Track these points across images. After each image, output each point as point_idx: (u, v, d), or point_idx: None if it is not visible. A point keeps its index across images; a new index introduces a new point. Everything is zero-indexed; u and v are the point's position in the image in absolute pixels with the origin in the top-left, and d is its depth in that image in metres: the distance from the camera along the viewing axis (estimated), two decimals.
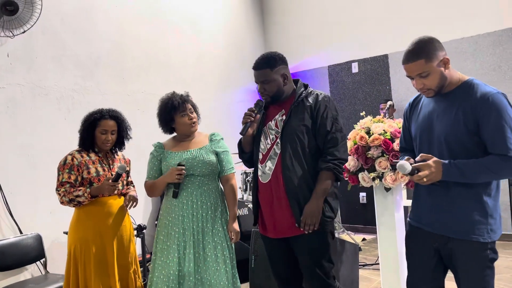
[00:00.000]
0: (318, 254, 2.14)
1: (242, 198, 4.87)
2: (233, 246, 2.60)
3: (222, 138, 2.68)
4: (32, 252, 3.30)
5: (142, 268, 3.81)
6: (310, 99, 2.20)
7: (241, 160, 2.47)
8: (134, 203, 2.74)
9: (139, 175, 4.67)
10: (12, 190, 3.54)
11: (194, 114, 2.63)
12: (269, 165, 2.20)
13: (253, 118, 2.22)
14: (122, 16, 4.65)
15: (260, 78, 2.21)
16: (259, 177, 2.25)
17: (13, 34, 3.57)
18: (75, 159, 2.56)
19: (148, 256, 4.01)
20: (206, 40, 5.70)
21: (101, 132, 2.62)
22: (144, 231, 3.75)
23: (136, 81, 4.75)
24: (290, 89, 2.26)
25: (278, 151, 2.18)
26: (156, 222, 4.77)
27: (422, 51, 1.73)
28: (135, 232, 3.69)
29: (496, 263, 1.76)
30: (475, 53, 4.92)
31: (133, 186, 2.94)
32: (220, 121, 5.63)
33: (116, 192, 2.66)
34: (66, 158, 2.57)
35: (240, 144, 2.41)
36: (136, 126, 4.64)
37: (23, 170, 3.66)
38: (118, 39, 4.59)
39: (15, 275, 3.41)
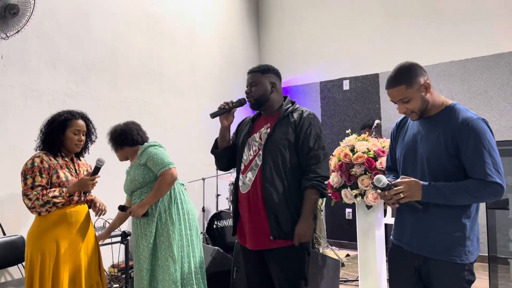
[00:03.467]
0: (291, 269, 2.16)
1: (229, 209, 4.90)
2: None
3: (145, 148, 2.81)
4: (15, 254, 3.28)
5: (124, 275, 3.81)
6: (295, 115, 2.26)
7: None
8: (104, 212, 2.65)
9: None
10: None
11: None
12: (250, 176, 2.23)
13: (227, 106, 2.30)
14: (118, 23, 4.70)
15: (250, 79, 2.32)
16: (240, 187, 2.29)
17: (7, 35, 3.61)
18: (44, 162, 2.39)
19: (131, 263, 4.01)
20: (201, 51, 5.77)
21: (74, 132, 2.49)
22: (129, 237, 3.75)
23: (129, 88, 4.78)
24: (276, 101, 2.32)
25: (259, 163, 2.21)
26: None
27: (403, 78, 1.79)
28: (120, 238, 3.70)
29: (481, 286, 1.78)
30: (463, 76, 5.03)
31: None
32: (212, 131, 5.67)
33: (87, 193, 2.56)
34: (33, 161, 2.38)
35: (216, 139, 2.45)
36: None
37: (10, 171, 3.66)
38: (112, 46, 4.64)
39: None
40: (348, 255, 5.21)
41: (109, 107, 4.53)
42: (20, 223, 3.63)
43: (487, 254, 2.64)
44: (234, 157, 2.40)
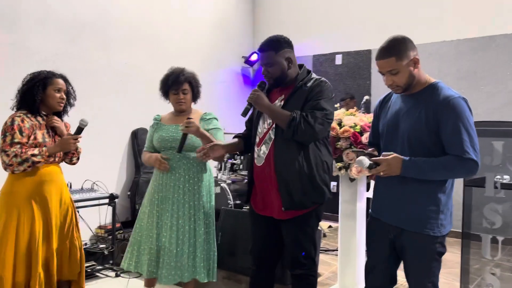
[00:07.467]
0: (303, 238, 2.20)
1: (217, 177, 4.96)
2: (211, 222, 2.77)
3: (215, 118, 2.79)
4: None
5: (111, 236, 3.89)
6: (309, 84, 2.19)
7: None
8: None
9: (119, 145, 4.73)
10: None
11: (187, 96, 2.72)
12: (264, 149, 2.23)
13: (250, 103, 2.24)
14: None
15: (264, 60, 2.22)
16: (255, 160, 2.29)
17: None
18: (25, 121, 2.36)
19: (118, 225, 4.09)
20: (194, 18, 5.69)
21: (55, 90, 2.45)
22: (116, 200, 3.82)
23: (120, 52, 4.73)
24: (294, 73, 2.25)
25: (273, 136, 2.20)
26: (128, 193, 4.85)
27: (394, 49, 1.83)
28: (107, 200, 3.76)
29: (447, 258, 1.87)
30: (454, 57, 5.07)
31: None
32: (201, 100, 5.67)
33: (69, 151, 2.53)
34: (13, 119, 2.33)
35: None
36: (118, 96, 4.68)
37: None
38: (104, 8, 4.56)
39: None
40: (330, 226, 5.35)
41: (99, 69, 4.49)
42: None
43: (461, 230, 2.75)
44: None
